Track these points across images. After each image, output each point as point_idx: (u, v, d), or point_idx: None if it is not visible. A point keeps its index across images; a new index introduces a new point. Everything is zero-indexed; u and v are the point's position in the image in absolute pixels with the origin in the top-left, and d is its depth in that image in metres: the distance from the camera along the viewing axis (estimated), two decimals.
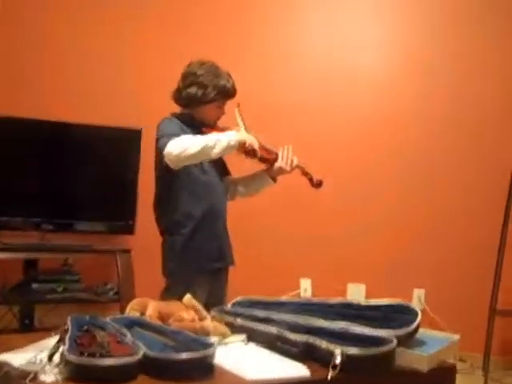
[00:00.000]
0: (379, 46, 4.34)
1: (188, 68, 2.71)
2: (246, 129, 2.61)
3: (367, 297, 4.08)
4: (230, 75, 2.72)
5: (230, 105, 2.74)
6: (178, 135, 2.49)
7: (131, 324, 1.78)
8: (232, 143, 2.47)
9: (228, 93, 2.68)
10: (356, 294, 4.13)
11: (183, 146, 2.43)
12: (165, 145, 2.46)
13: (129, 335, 1.62)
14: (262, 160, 2.67)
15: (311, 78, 4.30)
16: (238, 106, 2.67)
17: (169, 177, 2.61)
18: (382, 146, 4.29)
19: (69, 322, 1.66)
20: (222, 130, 2.64)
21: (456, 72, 4.25)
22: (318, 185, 2.72)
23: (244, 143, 2.50)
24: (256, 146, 2.53)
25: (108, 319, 1.79)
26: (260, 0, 4.37)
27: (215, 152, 2.45)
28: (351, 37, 4.34)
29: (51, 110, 3.84)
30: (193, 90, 2.64)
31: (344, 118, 4.29)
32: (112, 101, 4.06)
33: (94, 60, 4.11)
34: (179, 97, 2.70)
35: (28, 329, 3.67)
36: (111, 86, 4.10)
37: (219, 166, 2.78)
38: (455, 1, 4.31)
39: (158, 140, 2.57)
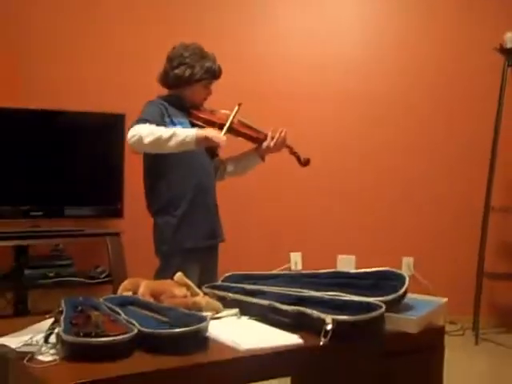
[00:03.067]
0: (359, 30, 4.36)
1: (174, 50, 2.73)
2: (230, 125, 2.61)
3: (357, 268, 4.10)
4: (215, 56, 2.75)
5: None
6: (147, 121, 2.50)
7: (124, 303, 1.80)
8: (188, 139, 2.45)
9: (214, 73, 2.72)
10: (346, 265, 4.17)
11: (140, 133, 2.44)
12: (129, 128, 2.50)
13: (122, 314, 1.65)
14: (251, 139, 2.73)
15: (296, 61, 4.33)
16: (239, 105, 2.66)
17: (156, 161, 2.64)
18: (363, 118, 4.31)
19: (63, 304, 1.69)
20: (210, 112, 2.69)
21: (443, 53, 4.28)
22: (305, 163, 2.79)
23: (204, 138, 2.47)
24: (219, 140, 2.49)
25: (101, 299, 1.82)
26: None
27: (170, 145, 2.44)
28: (331, 20, 4.36)
29: (36, 98, 3.84)
30: (181, 70, 2.67)
31: (322, 92, 4.31)
32: (95, 87, 4.05)
33: (78, 47, 4.08)
34: (167, 78, 2.71)
35: (22, 314, 3.69)
36: (94, 72, 4.08)
37: (208, 147, 2.80)
38: None
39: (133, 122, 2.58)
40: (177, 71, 2.67)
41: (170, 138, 2.44)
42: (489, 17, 4.21)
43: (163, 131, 2.46)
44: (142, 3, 4.18)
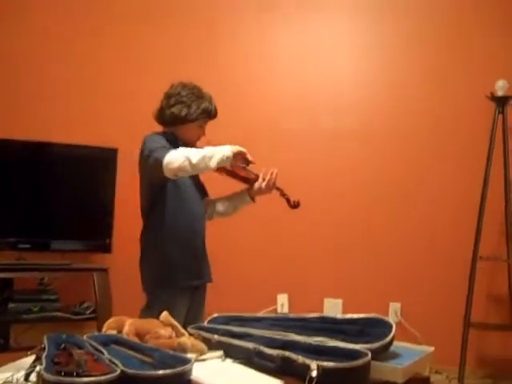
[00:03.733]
0: (356, 51, 4.42)
1: (171, 89, 2.76)
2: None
3: (344, 312, 4.11)
4: (211, 97, 2.78)
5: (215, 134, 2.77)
6: (169, 148, 2.50)
7: (108, 342, 1.78)
8: (227, 154, 2.44)
9: (210, 113, 2.76)
10: (333, 308, 4.15)
11: (185, 155, 2.43)
12: (163, 156, 2.46)
13: (106, 353, 1.62)
14: (243, 180, 2.74)
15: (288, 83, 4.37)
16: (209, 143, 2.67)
17: (153, 195, 2.66)
18: (355, 157, 4.34)
19: (45, 341, 1.67)
20: None
21: (434, 98, 4.34)
22: (295, 206, 2.78)
23: (239, 153, 2.49)
24: (247, 155, 2.54)
25: (85, 337, 1.79)
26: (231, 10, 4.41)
27: (213, 162, 2.42)
28: (326, 41, 4.41)
29: (27, 130, 3.85)
30: (177, 109, 2.70)
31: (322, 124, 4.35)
32: (88, 121, 4.07)
33: (71, 80, 4.12)
34: (163, 116, 2.73)
35: (3, 348, 3.64)
36: (87, 106, 4.11)
37: (198, 186, 2.81)
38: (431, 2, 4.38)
39: (147, 155, 2.57)
40: (173, 109, 2.70)
41: (213, 155, 2.42)
42: (481, 64, 4.25)
43: (203, 151, 2.45)
44: (136, 40, 4.23)
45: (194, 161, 2.41)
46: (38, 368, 1.48)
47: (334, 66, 4.40)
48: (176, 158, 2.44)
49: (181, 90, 2.73)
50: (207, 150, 2.46)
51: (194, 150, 2.49)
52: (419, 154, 4.33)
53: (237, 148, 2.50)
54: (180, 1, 4.36)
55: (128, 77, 4.16)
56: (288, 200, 2.78)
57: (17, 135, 3.70)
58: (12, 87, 4.05)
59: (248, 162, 2.58)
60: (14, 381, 1.44)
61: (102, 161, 3.93)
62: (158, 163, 2.47)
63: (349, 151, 4.33)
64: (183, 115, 2.69)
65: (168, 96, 2.75)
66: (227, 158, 2.44)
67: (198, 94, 2.74)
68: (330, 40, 4.42)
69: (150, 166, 2.54)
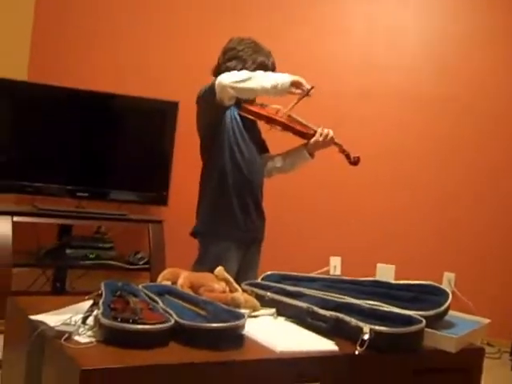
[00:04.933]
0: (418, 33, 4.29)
1: (228, 44, 2.73)
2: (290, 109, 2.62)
3: (396, 278, 4.06)
4: (270, 52, 2.72)
5: None
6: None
7: (163, 292, 1.81)
8: (286, 80, 2.51)
9: (267, 68, 2.67)
10: (385, 274, 4.12)
11: (235, 73, 2.53)
12: (217, 79, 2.54)
13: (160, 303, 1.65)
14: (301, 134, 2.68)
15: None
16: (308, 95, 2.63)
17: (213, 148, 2.64)
18: (412, 127, 4.25)
19: (102, 287, 1.70)
20: (261, 106, 2.65)
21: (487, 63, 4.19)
22: (355, 162, 2.71)
23: (297, 82, 2.53)
24: (309, 86, 2.55)
25: (140, 286, 1.82)
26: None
27: (268, 82, 2.49)
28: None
29: (92, 80, 3.89)
30: (232, 63, 2.66)
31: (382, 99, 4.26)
32: (151, 73, 4.09)
33: (140, 35, 4.14)
34: (219, 71, 2.70)
35: (59, 292, 3.74)
36: (152, 59, 4.13)
37: (259, 142, 2.79)
38: None
39: (203, 90, 2.62)
40: (229, 64, 2.67)
41: (268, 77, 2.51)
42: None
43: (259, 72, 2.55)
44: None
45: (249, 75, 2.49)
46: (95, 312, 1.51)
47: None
48: (230, 74, 2.53)
49: (237, 45, 2.69)
50: (262, 73, 2.53)
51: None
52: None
53: (296, 78, 2.53)
54: None
55: (190, 30, 4.15)
56: (348, 156, 2.71)
57: (79, 84, 3.74)
58: (84, 39, 4.09)
59: (307, 91, 2.55)
60: (73, 323, 1.47)
61: (162, 113, 3.95)
62: (212, 84, 2.54)
63: (412, 111, 4.25)
64: (238, 70, 2.64)
65: (224, 51, 2.72)
66: (282, 84, 2.49)
67: (254, 48, 2.69)
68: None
69: (206, 93, 2.59)
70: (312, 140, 2.67)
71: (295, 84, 2.52)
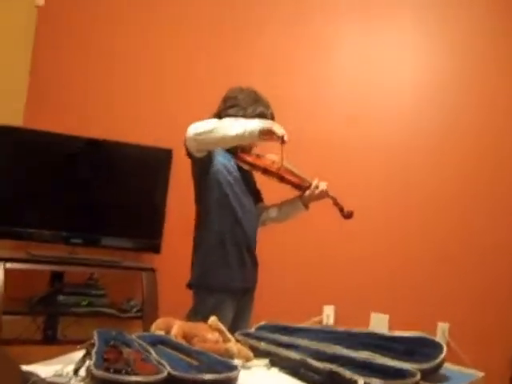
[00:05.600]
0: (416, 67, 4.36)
1: (228, 92, 2.77)
2: (277, 170, 2.62)
3: (390, 328, 4.05)
4: (268, 103, 2.76)
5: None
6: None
7: (156, 342, 1.79)
8: (254, 127, 2.44)
9: (266, 118, 2.68)
10: (379, 324, 4.09)
11: (210, 121, 2.52)
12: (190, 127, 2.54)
13: (153, 353, 1.63)
14: (296, 186, 2.71)
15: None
16: (283, 142, 2.53)
17: (206, 197, 2.66)
18: (411, 168, 4.27)
19: (95, 337, 1.68)
20: (256, 156, 2.67)
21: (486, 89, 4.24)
22: (348, 216, 2.73)
23: (268, 130, 2.45)
24: (283, 133, 2.46)
25: (133, 336, 1.80)
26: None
27: (234, 130, 2.44)
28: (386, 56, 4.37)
29: (86, 127, 3.92)
30: (232, 111, 2.68)
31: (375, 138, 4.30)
32: (146, 121, 4.13)
33: (134, 83, 4.19)
34: (219, 118, 2.74)
35: (50, 340, 3.70)
36: (145, 106, 4.17)
37: (253, 191, 2.81)
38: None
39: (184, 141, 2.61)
40: (229, 111, 2.69)
41: (235, 123, 2.47)
42: None
43: (227, 119, 2.52)
44: (193, 42, 4.28)
45: (214, 126, 2.47)
46: (87, 363, 1.49)
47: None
48: (197, 124, 2.52)
49: (238, 94, 2.73)
50: (231, 121, 2.51)
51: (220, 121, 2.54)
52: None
53: (266, 125, 2.46)
54: (234, 6, 4.37)
55: (186, 80, 4.20)
56: (341, 209, 2.73)
57: (75, 131, 3.77)
58: (77, 86, 4.14)
59: (280, 139, 2.46)
60: (64, 374, 1.46)
61: (156, 161, 3.97)
62: (186, 135, 2.54)
63: (403, 163, 4.28)
64: (238, 117, 2.67)
65: (225, 99, 2.76)
66: (251, 132, 2.43)
67: (254, 97, 2.73)
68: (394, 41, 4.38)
69: (185, 144, 2.58)
70: (306, 192, 2.70)
71: (264, 132, 2.44)
